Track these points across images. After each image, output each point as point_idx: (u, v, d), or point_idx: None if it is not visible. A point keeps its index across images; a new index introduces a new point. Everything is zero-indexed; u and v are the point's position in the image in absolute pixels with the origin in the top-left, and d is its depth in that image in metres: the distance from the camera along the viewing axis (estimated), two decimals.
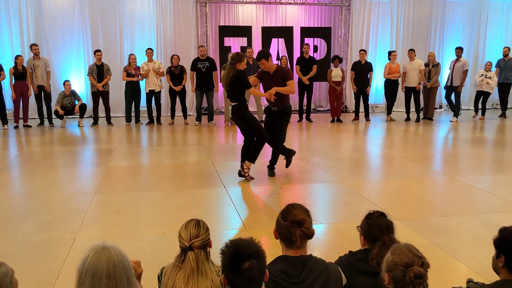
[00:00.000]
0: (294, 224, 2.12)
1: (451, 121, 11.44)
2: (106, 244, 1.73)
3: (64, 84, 10.46)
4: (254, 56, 10.98)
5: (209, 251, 2.15)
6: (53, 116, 10.55)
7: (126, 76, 10.57)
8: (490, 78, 11.42)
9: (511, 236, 2.04)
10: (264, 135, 5.95)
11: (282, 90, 5.92)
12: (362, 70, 11.27)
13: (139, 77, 10.66)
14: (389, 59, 11.47)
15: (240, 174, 6.03)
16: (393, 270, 1.85)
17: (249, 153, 5.97)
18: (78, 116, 10.67)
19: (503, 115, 12.05)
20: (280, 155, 6.31)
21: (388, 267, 1.88)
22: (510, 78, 11.73)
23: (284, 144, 6.29)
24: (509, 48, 11.94)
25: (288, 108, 6.21)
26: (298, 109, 11.59)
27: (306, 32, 12.76)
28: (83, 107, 10.65)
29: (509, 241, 2.04)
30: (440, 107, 13.61)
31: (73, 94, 10.55)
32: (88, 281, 1.67)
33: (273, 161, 6.28)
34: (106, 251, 1.69)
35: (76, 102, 10.57)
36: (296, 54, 12.33)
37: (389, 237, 2.24)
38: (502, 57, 11.93)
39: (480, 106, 11.73)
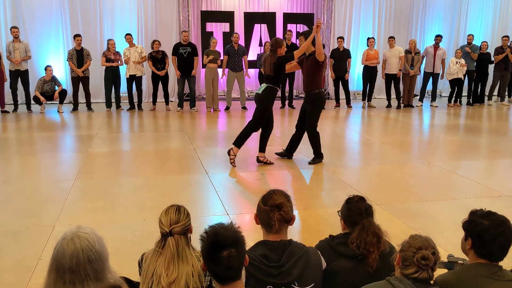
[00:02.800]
0: (273, 208, 2.14)
1: (431, 105, 11.76)
2: (77, 232, 1.70)
3: (45, 69, 10.22)
4: (240, 41, 10.95)
5: (190, 236, 2.15)
6: (32, 102, 10.35)
7: (106, 61, 10.41)
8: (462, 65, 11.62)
9: (478, 220, 2.08)
10: (257, 126, 6.01)
11: (317, 39, 5.77)
12: (341, 57, 11.34)
13: (119, 62, 10.51)
14: (367, 45, 11.53)
15: (258, 160, 6.18)
16: (405, 251, 1.94)
17: (237, 137, 6.03)
18: (58, 102, 10.50)
19: (469, 103, 12.28)
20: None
21: (403, 248, 1.98)
22: (471, 66, 11.94)
23: (317, 141, 6.24)
24: (473, 36, 12.14)
25: (316, 95, 6.11)
26: (280, 95, 11.60)
27: (289, 18, 12.72)
28: (63, 93, 10.47)
29: (475, 224, 2.08)
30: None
31: (53, 80, 10.35)
32: (53, 274, 1.66)
33: (314, 149, 6.25)
34: (72, 243, 1.65)
35: (56, 88, 10.38)
36: None
37: (368, 220, 2.27)
38: (466, 44, 12.13)
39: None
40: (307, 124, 6.18)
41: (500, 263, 2.10)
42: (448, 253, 2.61)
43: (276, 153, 6.47)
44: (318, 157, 6.26)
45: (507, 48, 11.82)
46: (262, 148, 6.18)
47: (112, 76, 10.47)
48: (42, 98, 10.14)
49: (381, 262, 2.20)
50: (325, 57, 6.05)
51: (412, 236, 2.00)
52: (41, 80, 10.22)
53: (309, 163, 6.21)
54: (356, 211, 2.33)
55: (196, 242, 2.08)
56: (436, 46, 11.68)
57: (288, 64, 5.98)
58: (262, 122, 6.00)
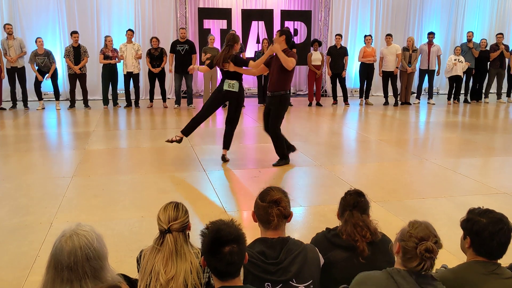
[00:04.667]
0: (271, 203, 2.16)
1: (428, 102, 11.88)
2: (76, 229, 1.69)
3: (36, 41, 10.09)
4: None
5: (188, 233, 2.15)
6: (29, 99, 10.32)
7: (104, 58, 10.38)
8: (462, 62, 11.62)
9: (476, 218, 2.07)
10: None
11: (281, 55, 5.56)
12: (338, 55, 11.35)
13: (117, 59, 10.48)
14: (364, 43, 11.55)
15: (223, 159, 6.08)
16: (406, 241, 1.88)
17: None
18: (54, 99, 10.47)
19: (466, 101, 12.30)
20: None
21: (402, 237, 1.92)
22: (471, 63, 11.95)
23: (281, 143, 6.04)
24: (473, 33, 12.15)
25: (282, 96, 5.79)
26: None
27: (287, 15, 12.70)
28: (54, 77, 10.32)
29: (473, 222, 2.07)
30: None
31: (47, 55, 10.17)
32: (51, 271, 1.65)
33: (278, 151, 6.05)
34: (71, 240, 1.65)
35: (51, 65, 10.26)
36: None
37: (350, 213, 2.33)
38: (466, 41, 12.14)
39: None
40: (271, 125, 5.92)
41: (498, 261, 2.10)
42: (442, 264, 2.62)
43: (273, 165, 6.04)
44: (283, 158, 6.04)
45: (502, 45, 11.86)
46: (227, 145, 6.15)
47: (109, 74, 10.44)
48: (39, 77, 10.03)
49: (374, 252, 2.24)
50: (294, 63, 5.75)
51: (412, 224, 1.94)
52: (33, 52, 10.08)
53: (274, 165, 5.99)
54: (345, 204, 2.41)
55: (194, 239, 2.09)
56: (430, 43, 11.70)
57: (256, 67, 5.90)
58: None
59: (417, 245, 1.85)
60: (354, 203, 2.37)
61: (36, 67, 10.08)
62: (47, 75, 10.18)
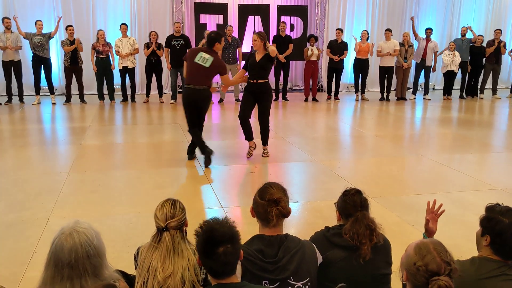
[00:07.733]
0: (270, 202, 2.14)
1: (424, 98, 11.91)
2: (75, 227, 1.69)
3: (35, 23, 10.10)
4: (234, 34, 10.91)
5: (185, 230, 2.15)
6: (25, 94, 10.27)
7: (95, 53, 10.32)
8: (455, 57, 11.64)
9: (498, 218, 2.05)
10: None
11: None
12: (338, 49, 11.33)
13: (109, 54, 10.39)
14: (360, 38, 11.54)
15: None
16: (414, 274, 1.64)
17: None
18: (49, 93, 10.44)
19: (461, 96, 12.34)
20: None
21: (409, 268, 1.67)
22: (466, 58, 11.96)
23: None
24: (466, 28, 12.15)
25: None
26: (274, 88, 11.62)
27: (283, 10, 12.68)
28: (48, 70, 10.32)
29: (495, 222, 2.04)
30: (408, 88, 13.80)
31: (43, 35, 10.17)
32: (51, 269, 1.65)
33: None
34: (71, 237, 1.65)
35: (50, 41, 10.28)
36: (273, 32, 12.25)
37: (362, 213, 2.30)
38: (460, 36, 12.14)
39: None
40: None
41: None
42: None
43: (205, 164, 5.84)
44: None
45: (500, 41, 11.87)
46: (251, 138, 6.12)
47: (101, 68, 10.38)
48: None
49: (374, 254, 2.23)
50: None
51: (418, 250, 1.67)
52: (32, 33, 10.11)
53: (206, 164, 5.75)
54: (351, 203, 2.36)
55: (192, 235, 2.09)
56: (427, 39, 11.71)
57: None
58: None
59: (427, 281, 1.61)
60: (361, 203, 2.34)
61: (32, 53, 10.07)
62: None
